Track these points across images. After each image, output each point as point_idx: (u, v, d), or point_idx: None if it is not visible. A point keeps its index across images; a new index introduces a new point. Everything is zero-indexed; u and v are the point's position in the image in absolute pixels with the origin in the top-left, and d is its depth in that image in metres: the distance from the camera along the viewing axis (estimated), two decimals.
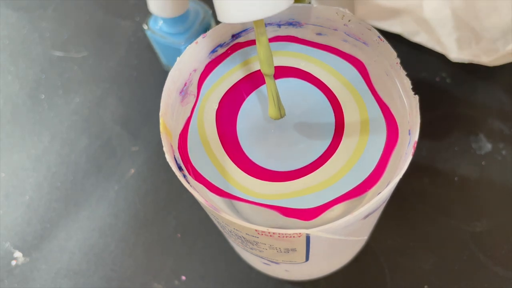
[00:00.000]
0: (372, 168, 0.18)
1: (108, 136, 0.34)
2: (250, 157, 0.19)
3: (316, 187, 0.18)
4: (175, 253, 0.29)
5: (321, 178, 0.18)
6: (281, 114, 0.19)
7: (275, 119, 0.19)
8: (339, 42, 0.21)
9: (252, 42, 0.21)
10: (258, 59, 0.19)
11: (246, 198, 0.18)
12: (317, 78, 0.20)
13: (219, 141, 0.19)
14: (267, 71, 0.18)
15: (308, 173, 0.18)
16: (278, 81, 0.20)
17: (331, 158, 0.18)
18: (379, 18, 0.32)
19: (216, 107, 0.20)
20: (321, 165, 0.18)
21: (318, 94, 0.20)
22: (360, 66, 0.20)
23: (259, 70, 0.20)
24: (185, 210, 0.30)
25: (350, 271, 0.28)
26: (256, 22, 0.17)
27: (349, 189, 0.17)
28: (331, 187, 0.17)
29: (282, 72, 0.20)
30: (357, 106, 0.19)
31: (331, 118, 0.19)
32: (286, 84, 0.20)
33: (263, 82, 0.20)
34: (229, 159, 0.19)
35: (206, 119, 0.20)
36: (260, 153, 0.19)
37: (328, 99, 0.20)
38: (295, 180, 0.18)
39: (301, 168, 0.18)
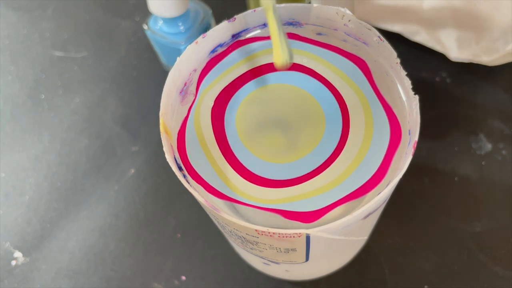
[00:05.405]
0: (375, 170, 0.17)
1: (108, 136, 0.34)
2: (246, 165, 0.18)
3: (318, 190, 0.17)
4: (175, 253, 0.29)
5: (324, 182, 0.17)
6: (288, 57, 0.16)
7: (281, 67, 0.16)
8: (339, 42, 0.20)
9: (252, 40, 0.21)
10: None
11: (247, 202, 0.17)
12: (322, 76, 0.20)
13: (215, 141, 0.19)
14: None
15: (310, 178, 0.18)
16: (280, 73, 0.20)
17: (334, 162, 0.18)
18: (379, 18, 0.32)
19: (212, 104, 0.19)
20: (324, 170, 0.18)
21: (325, 91, 0.19)
22: (363, 65, 0.20)
23: (259, 66, 0.20)
24: (185, 210, 0.30)
25: (350, 271, 0.28)
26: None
27: (352, 191, 0.17)
28: (333, 190, 0.17)
29: None
30: (362, 107, 0.19)
31: (338, 119, 0.19)
32: (290, 78, 0.20)
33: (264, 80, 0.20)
34: (226, 162, 0.18)
35: (202, 117, 0.19)
36: (259, 159, 0.18)
37: (335, 98, 0.19)
38: (296, 186, 0.17)
39: (303, 176, 0.18)
